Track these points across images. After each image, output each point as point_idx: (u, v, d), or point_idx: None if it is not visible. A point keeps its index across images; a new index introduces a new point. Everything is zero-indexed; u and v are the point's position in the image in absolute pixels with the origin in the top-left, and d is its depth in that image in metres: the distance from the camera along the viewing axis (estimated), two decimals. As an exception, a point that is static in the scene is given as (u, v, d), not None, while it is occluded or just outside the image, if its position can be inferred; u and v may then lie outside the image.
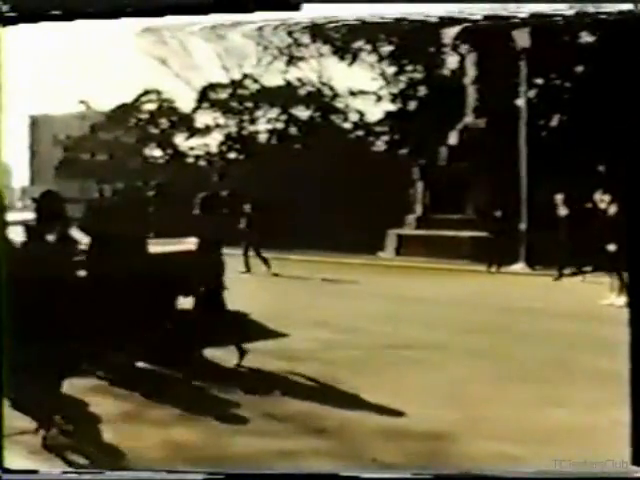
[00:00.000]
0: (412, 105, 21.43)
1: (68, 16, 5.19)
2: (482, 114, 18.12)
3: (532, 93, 17.46)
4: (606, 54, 17.24)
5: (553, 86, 18.14)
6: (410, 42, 20.63)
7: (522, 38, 16.98)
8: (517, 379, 6.46)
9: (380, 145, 21.88)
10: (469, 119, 18.51)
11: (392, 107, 22.00)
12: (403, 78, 21.87)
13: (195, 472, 4.32)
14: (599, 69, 17.22)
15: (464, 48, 19.45)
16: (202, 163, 23.54)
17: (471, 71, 18.80)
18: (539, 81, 18.04)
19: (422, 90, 21.29)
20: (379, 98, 22.29)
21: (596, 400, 5.69)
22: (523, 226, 16.06)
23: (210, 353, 7.49)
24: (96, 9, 5.10)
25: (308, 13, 5.08)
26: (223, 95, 23.38)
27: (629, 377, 4.04)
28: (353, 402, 5.79)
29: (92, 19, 5.23)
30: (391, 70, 22.07)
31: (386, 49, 22.08)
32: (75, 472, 4.42)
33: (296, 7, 4.94)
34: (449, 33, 20.14)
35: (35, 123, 24.94)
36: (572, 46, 18.05)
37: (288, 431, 5.14)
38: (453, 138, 18.51)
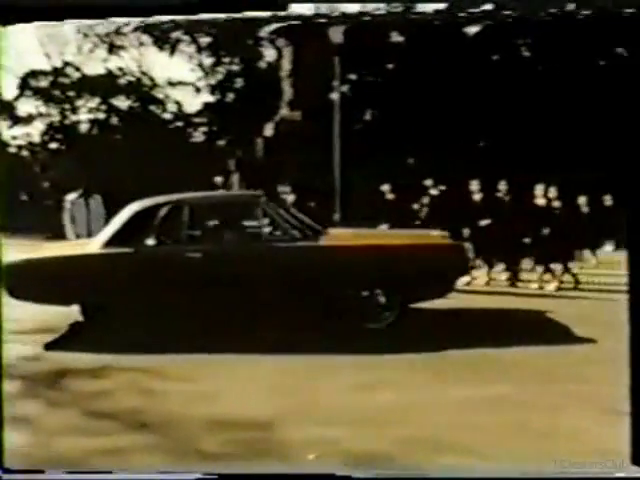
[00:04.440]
0: (230, 97, 21.34)
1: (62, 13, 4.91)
2: (298, 107, 18.38)
3: (346, 88, 17.90)
4: (416, 52, 18.04)
5: (366, 82, 18.64)
6: (228, 34, 20.58)
7: (336, 35, 17.37)
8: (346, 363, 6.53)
9: (198, 136, 21.63)
10: (285, 111, 18.71)
11: (210, 98, 21.83)
12: (221, 70, 21.73)
13: (190, 472, 4.25)
14: (409, 66, 17.98)
15: (281, 42, 19.63)
16: (25, 153, 22.53)
17: (287, 65, 19.02)
18: (353, 77, 18.51)
19: (240, 82, 21.25)
20: (198, 89, 22.06)
21: (417, 380, 5.86)
22: (337, 216, 16.42)
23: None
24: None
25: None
26: (44, 83, 22.41)
27: (629, 377, 4.10)
28: (178, 394, 5.69)
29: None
30: (209, 62, 21.88)
31: (205, 40, 21.88)
32: (75, 472, 4.38)
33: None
34: (267, 27, 20.26)
35: None
36: (384, 44, 18.66)
37: (112, 428, 5.01)
38: (269, 130, 18.64)
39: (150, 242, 8.04)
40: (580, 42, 17.04)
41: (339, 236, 8.54)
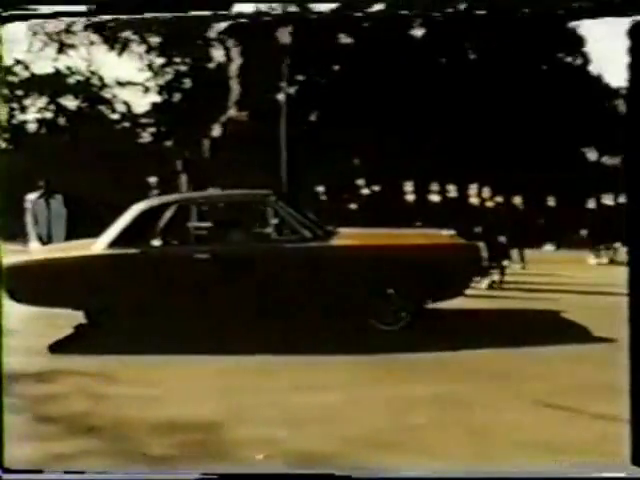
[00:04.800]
0: (178, 97, 21.29)
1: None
2: (245, 107, 18.42)
3: (293, 89, 18.00)
4: (362, 53, 18.21)
5: (312, 83, 18.76)
6: (178, 34, 20.52)
7: (284, 35, 17.47)
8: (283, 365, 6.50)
9: (146, 137, 21.54)
10: (232, 112, 18.73)
11: (159, 99, 21.75)
12: (170, 70, 21.67)
13: (189, 472, 4.17)
14: (355, 67, 18.15)
15: (230, 42, 19.65)
16: (-26, 153, 22.03)
17: (235, 65, 19.05)
18: (300, 77, 18.62)
19: (188, 82, 21.22)
20: (146, 89, 21.95)
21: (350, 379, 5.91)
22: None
23: None
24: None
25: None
26: (-8, 81, 22.01)
27: (629, 377, 3.96)
28: (123, 397, 5.59)
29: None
30: (159, 62, 21.80)
31: (155, 40, 21.78)
32: (76, 472, 4.26)
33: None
34: (216, 27, 20.27)
35: None
36: (331, 45, 18.81)
37: (58, 432, 4.90)
38: (216, 131, 18.66)
39: (156, 243, 7.74)
40: (524, 43, 17.41)
41: (350, 236, 8.21)
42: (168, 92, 21.47)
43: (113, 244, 7.76)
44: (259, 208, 8.28)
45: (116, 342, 7.23)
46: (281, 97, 17.22)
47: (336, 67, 18.89)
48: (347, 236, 8.09)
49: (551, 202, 14.20)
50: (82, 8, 4.75)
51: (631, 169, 4.08)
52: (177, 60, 21.61)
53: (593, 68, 19.27)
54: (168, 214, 7.82)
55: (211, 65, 21.12)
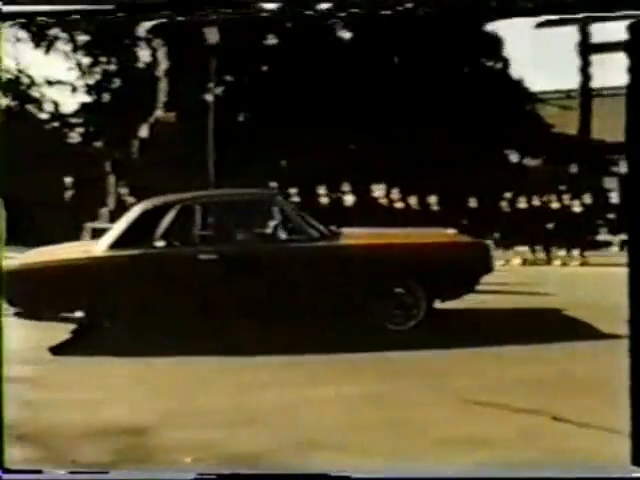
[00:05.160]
0: (106, 97, 21.08)
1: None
2: (173, 108, 18.32)
3: (221, 89, 17.98)
4: (290, 54, 18.32)
5: (241, 83, 18.78)
6: (105, 33, 20.29)
7: (212, 35, 17.42)
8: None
9: (75, 137, 21.26)
10: (160, 112, 18.62)
11: (87, 99, 21.50)
12: (98, 69, 21.43)
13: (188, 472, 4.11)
14: (283, 68, 18.24)
15: (157, 42, 19.51)
16: None
17: (163, 65, 18.92)
18: (228, 78, 18.61)
19: (116, 82, 21.02)
20: (74, 89, 21.67)
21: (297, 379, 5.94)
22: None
23: None
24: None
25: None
26: None
27: (629, 376, 3.92)
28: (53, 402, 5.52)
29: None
30: (86, 61, 21.55)
31: (82, 38, 21.50)
32: (76, 472, 4.22)
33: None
34: (143, 26, 20.09)
35: None
36: (259, 46, 18.86)
37: None
38: (144, 131, 18.52)
39: (160, 244, 7.51)
40: (445, 46, 17.74)
41: (356, 235, 8.07)
42: (97, 92, 21.25)
43: (115, 245, 7.54)
44: (263, 207, 8.07)
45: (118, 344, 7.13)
46: (209, 97, 17.19)
47: (264, 67, 18.95)
48: (353, 235, 8.00)
49: (473, 203, 14.52)
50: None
51: (631, 169, 4.09)
52: (105, 59, 21.39)
53: (513, 71, 19.89)
54: (172, 214, 7.56)
55: (140, 65, 20.97)
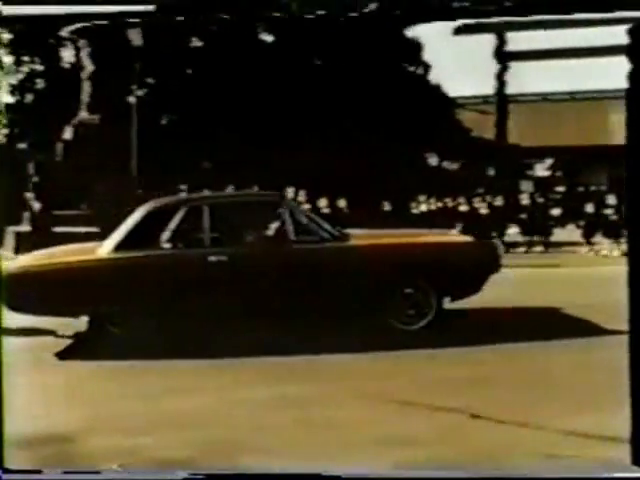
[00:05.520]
0: (30, 98, 20.83)
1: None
2: (96, 110, 18.24)
3: (144, 91, 18.02)
4: (213, 57, 18.43)
5: (164, 86, 18.81)
6: (29, 32, 20.06)
7: (136, 37, 17.42)
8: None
9: (-1, 138, 20.94)
10: (84, 114, 18.52)
11: (11, 99, 21.21)
12: (22, 69, 21.16)
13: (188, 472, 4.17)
14: (206, 71, 18.35)
15: (81, 43, 19.38)
16: None
17: (87, 67, 18.81)
18: (151, 80, 18.64)
19: (40, 83, 20.80)
20: (-3, 88, 21.35)
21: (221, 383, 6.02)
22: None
23: None
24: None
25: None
26: None
27: (629, 376, 3.99)
28: None
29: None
30: (9, 60, 21.23)
31: (5, 37, 21.19)
32: (76, 472, 4.26)
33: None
34: (68, 27, 19.91)
35: None
36: (183, 48, 18.93)
37: None
38: (68, 133, 18.40)
39: (166, 245, 7.49)
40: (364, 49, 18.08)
41: (364, 236, 8.10)
42: (20, 92, 20.99)
43: (120, 247, 7.46)
44: (271, 209, 7.95)
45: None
46: (132, 100, 17.22)
47: (188, 70, 19.03)
48: (362, 237, 8.05)
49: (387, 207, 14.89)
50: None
51: (631, 169, 4.14)
52: (28, 59, 21.13)
53: (432, 76, 20.30)
54: (179, 215, 7.55)
55: (65, 65, 20.78)
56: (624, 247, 12.80)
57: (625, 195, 4.52)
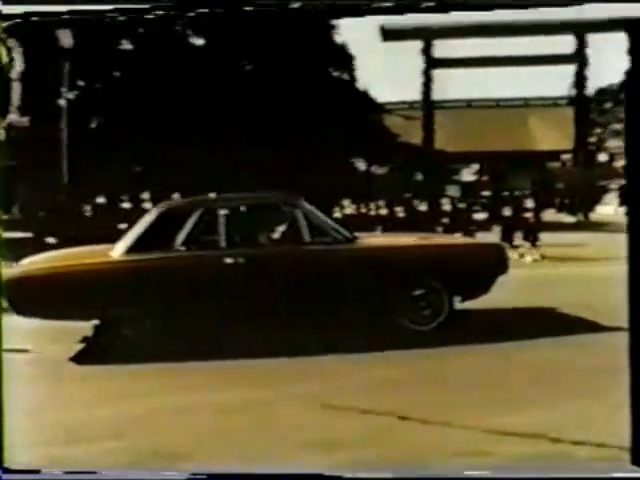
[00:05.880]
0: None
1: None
2: (26, 112, 18.16)
3: (74, 94, 17.99)
4: (143, 58, 18.46)
5: (94, 88, 18.80)
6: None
7: (66, 38, 17.37)
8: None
9: None
10: (14, 117, 18.39)
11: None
12: (-50, 69, 20.85)
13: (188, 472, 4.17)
14: (136, 73, 18.38)
15: (11, 43, 19.20)
16: None
17: (17, 68, 18.66)
18: (81, 83, 18.61)
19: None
20: None
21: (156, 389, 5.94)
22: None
23: None
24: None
25: None
26: None
27: (629, 376, 3.98)
28: None
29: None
30: (-64, 59, 20.90)
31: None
32: (75, 472, 4.22)
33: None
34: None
35: None
36: (113, 51, 18.93)
37: None
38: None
39: (181, 247, 7.35)
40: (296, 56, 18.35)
41: (378, 238, 8.20)
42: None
43: (132, 250, 7.33)
44: (285, 210, 7.81)
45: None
46: (62, 102, 17.21)
47: (117, 73, 19.05)
48: (375, 238, 8.17)
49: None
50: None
51: (631, 169, 4.15)
52: (-42, 59, 20.84)
53: (360, 82, 20.64)
54: (194, 217, 7.45)
55: (-6, 66, 20.54)
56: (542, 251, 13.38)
57: (625, 195, 4.65)
